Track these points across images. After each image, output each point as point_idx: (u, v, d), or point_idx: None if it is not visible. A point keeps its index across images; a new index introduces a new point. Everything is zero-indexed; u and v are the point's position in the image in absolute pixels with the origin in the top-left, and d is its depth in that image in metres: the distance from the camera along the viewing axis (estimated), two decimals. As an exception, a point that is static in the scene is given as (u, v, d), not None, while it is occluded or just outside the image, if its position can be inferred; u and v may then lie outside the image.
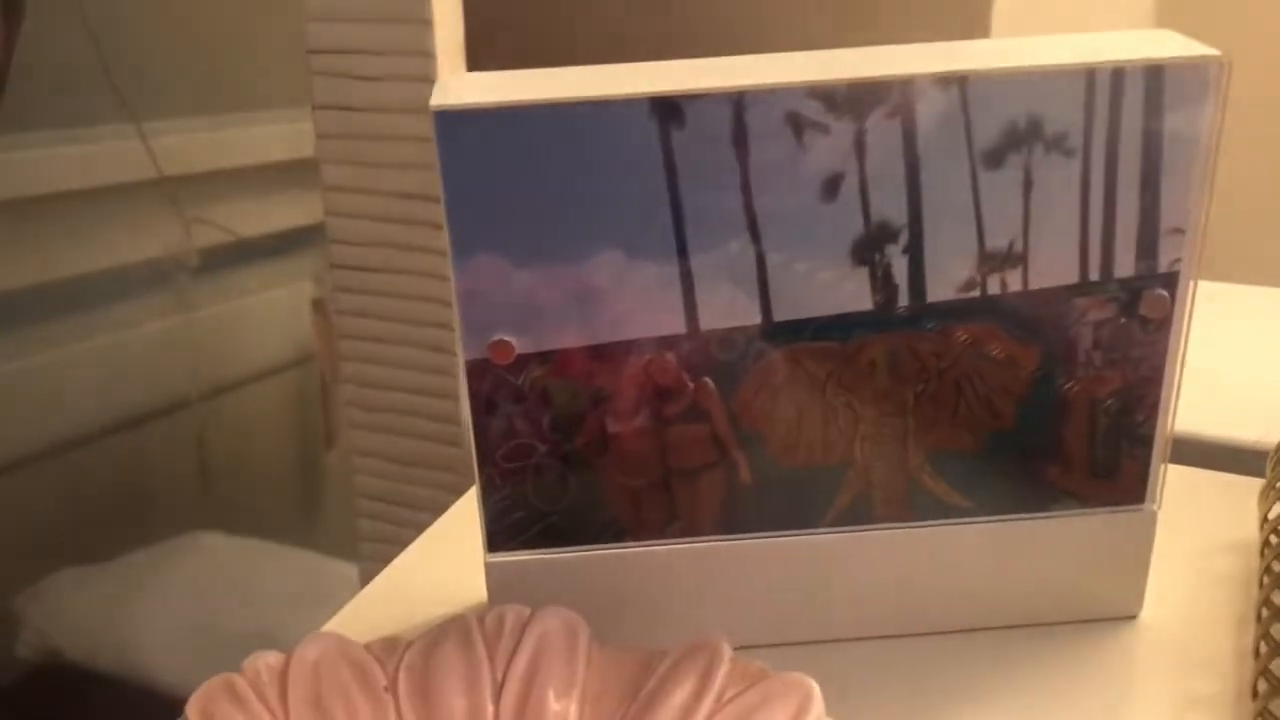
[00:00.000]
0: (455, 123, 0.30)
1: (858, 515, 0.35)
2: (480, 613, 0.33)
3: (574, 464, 0.34)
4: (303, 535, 1.11)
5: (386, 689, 0.31)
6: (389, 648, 0.32)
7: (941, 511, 0.35)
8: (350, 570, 0.82)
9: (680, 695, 0.30)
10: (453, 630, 0.32)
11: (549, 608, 0.32)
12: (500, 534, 0.35)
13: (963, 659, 0.36)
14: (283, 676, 0.31)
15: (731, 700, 0.30)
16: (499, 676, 0.31)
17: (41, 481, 0.93)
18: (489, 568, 0.35)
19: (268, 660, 0.31)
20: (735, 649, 0.34)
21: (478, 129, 0.30)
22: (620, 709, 0.30)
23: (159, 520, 1.02)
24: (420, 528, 0.46)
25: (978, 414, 0.34)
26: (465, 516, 0.45)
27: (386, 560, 0.44)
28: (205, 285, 0.99)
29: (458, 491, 0.48)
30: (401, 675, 0.31)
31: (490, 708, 0.31)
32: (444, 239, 0.32)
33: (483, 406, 0.33)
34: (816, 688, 0.29)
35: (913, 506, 0.35)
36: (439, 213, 0.31)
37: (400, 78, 0.56)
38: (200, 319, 1.00)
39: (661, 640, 0.34)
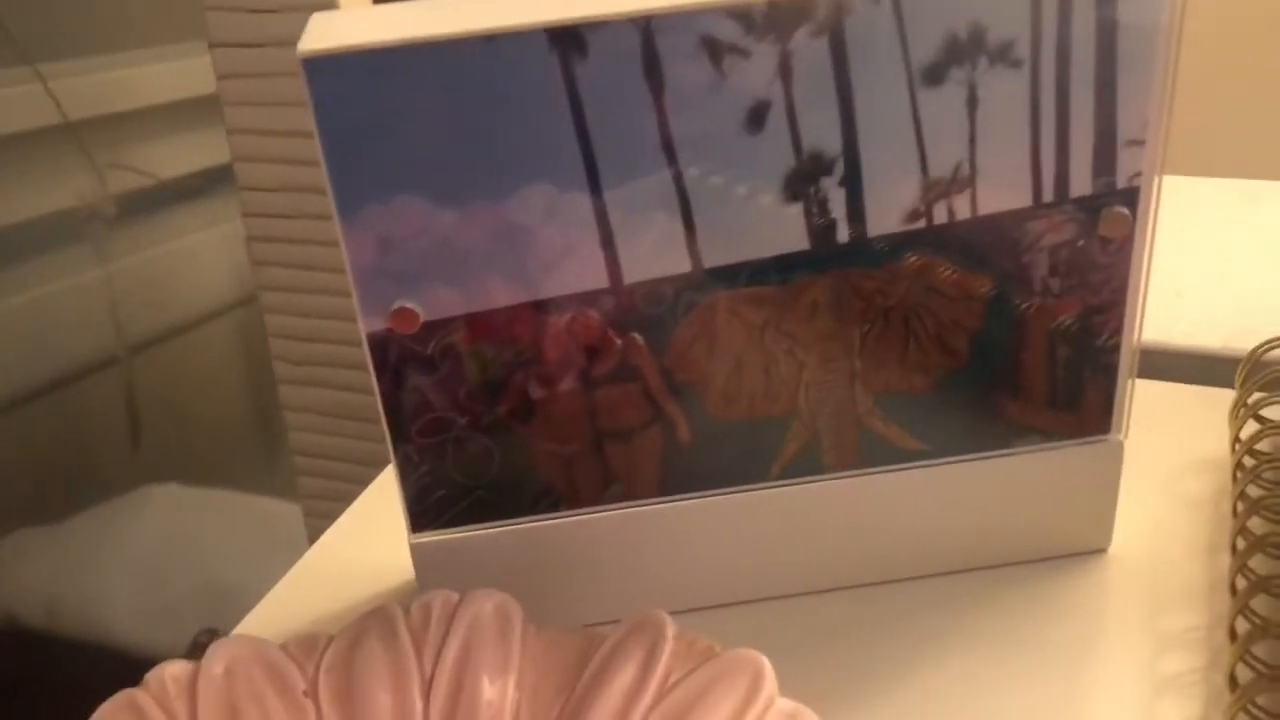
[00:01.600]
0: (327, 69, 0.26)
1: (806, 466, 0.32)
2: (405, 602, 0.30)
3: (497, 434, 0.31)
4: (260, 480, 1.08)
5: (306, 693, 0.29)
6: (307, 647, 0.30)
7: (896, 456, 0.33)
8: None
9: (623, 680, 0.28)
10: (375, 623, 0.30)
11: (479, 591, 0.30)
12: (424, 513, 0.32)
13: (928, 605, 0.34)
14: (191, 688, 0.28)
15: (678, 684, 0.27)
16: (428, 670, 0.29)
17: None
18: (414, 549, 0.32)
19: (173, 671, 0.29)
20: (687, 611, 0.32)
21: (354, 74, 0.27)
22: (560, 698, 0.28)
23: (108, 478, 0.99)
24: (364, 483, 0.44)
25: (929, 352, 0.31)
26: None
27: (332, 518, 0.42)
28: (127, 233, 0.94)
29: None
30: (322, 676, 0.29)
31: (419, 704, 0.28)
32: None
33: (391, 380, 0.30)
34: (768, 664, 0.27)
35: (864, 453, 0.32)
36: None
37: (300, 7, 0.51)
38: (127, 268, 0.96)
39: (608, 611, 0.32)
